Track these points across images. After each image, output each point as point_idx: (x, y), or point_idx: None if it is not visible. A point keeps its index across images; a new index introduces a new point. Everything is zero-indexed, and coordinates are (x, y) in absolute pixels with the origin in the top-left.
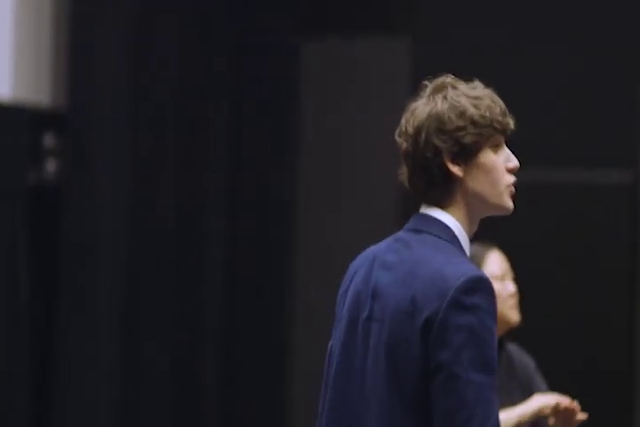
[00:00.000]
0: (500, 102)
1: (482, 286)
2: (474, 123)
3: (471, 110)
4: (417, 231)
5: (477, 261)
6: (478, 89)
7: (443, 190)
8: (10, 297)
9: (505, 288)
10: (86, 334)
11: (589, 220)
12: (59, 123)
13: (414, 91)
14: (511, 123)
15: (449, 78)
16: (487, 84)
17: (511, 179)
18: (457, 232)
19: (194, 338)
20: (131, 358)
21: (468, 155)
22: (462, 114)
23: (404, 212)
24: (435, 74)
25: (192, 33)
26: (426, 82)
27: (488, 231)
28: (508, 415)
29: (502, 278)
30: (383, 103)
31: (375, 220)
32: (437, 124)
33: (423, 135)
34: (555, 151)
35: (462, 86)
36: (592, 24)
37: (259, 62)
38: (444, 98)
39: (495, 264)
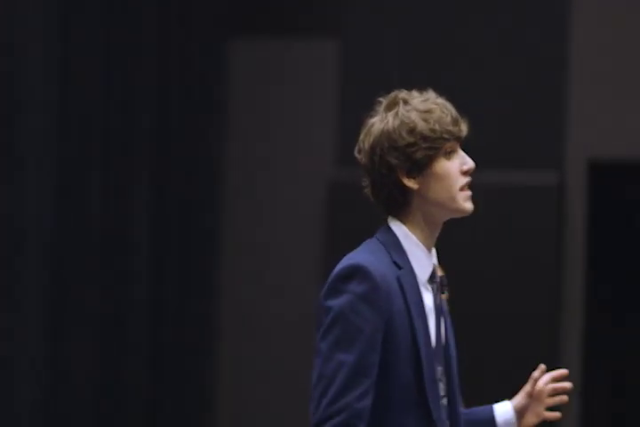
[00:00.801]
0: (452, 111)
1: (359, 273)
2: (424, 138)
3: (421, 125)
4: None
5: None
6: (429, 101)
7: (401, 203)
8: None
9: None
10: (11, 322)
11: (516, 220)
12: None
13: (341, 90)
14: (464, 129)
15: (402, 93)
16: (410, 84)
17: (464, 180)
18: (400, 236)
19: (120, 326)
20: (57, 350)
21: (421, 168)
22: (412, 130)
23: (332, 207)
24: (362, 74)
25: (119, 32)
26: (380, 98)
27: None
28: None
29: None
30: (311, 102)
31: (302, 212)
32: (389, 141)
33: (378, 153)
34: (481, 153)
35: (414, 100)
36: (519, 26)
37: (185, 61)
38: (396, 114)
39: None
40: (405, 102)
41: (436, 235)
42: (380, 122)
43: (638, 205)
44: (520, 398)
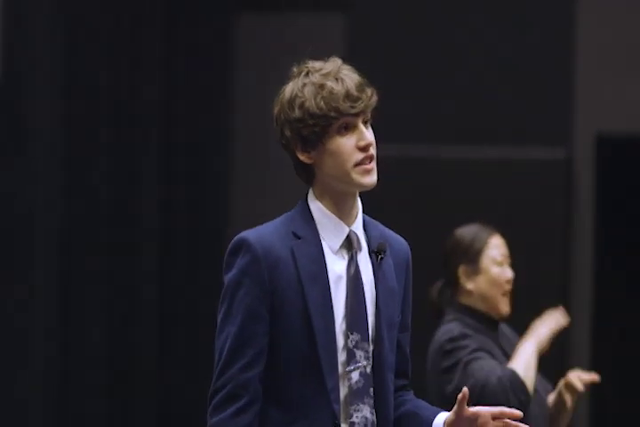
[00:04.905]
0: (349, 85)
1: (243, 247)
2: (311, 115)
3: (310, 101)
4: None
5: (480, 244)
6: (329, 74)
7: (305, 173)
8: None
9: (503, 273)
10: (23, 294)
11: (525, 195)
12: None
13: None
14: (359, 105)
15: (309, 63)
16: (417, 58)
17: (360, 156)
18: (311, 205)
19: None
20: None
21: (312, 144)
22: (302, 105)
23: None
24: (367, 49)
25: (125, 3)
26: (294, 67)
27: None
28: (525, 355)
29: (501, 264)
30: None
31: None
32: (284, 114)
33: (278, 123)
34: (489, 129)
35: (315, 73)
36: (526, 2)
37: (194, 35)
38: (295, 85)
39: (495, 249)
40: (307, 74)
41: (350, 204)
42: (282, 91)
43: None
44: (452, 416)
